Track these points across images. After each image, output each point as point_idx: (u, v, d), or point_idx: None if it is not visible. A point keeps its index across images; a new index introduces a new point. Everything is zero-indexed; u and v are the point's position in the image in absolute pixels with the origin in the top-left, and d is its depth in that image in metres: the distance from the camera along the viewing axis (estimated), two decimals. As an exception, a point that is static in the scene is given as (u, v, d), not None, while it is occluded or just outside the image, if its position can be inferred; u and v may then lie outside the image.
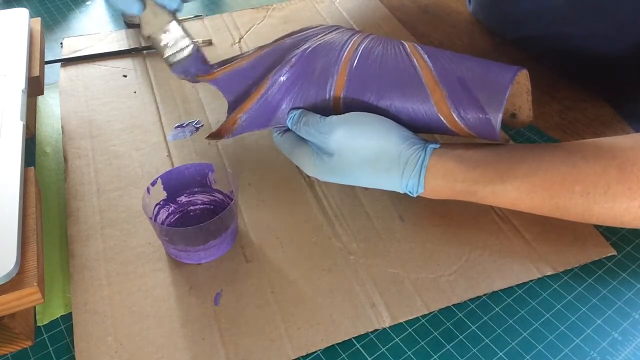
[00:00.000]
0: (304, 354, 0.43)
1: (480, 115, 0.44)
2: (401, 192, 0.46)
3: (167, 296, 0.47)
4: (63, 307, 0.47)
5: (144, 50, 0.76)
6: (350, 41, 0.50)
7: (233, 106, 0.53)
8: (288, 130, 0.51)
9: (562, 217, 0.44)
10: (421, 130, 0.48)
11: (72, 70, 0.72)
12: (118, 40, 0.78)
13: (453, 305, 0.46)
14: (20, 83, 0.55)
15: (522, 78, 0.46)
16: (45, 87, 0.63)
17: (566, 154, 0.43)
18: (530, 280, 0.47)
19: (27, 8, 0.67)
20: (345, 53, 0.49)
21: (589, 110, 0.64)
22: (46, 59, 0.69)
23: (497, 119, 0.44)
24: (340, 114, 0.47)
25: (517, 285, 0.47)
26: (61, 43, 0.78)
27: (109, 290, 0.47)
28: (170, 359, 0.42)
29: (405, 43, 0.50)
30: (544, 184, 0.42)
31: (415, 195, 0.46)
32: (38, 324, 0.45)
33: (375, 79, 0.48)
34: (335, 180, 0.48)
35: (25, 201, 0.45)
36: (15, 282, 0.39)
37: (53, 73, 0.72)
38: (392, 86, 0.47)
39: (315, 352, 0.43)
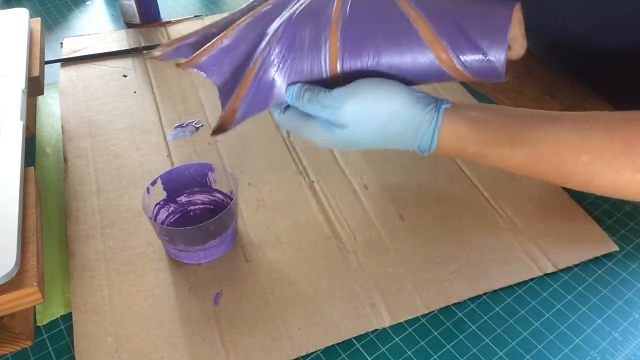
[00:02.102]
0: (304, 354, 0.43)
1: (483, 59, 0.44)
2: (411, 150, 0.46)
3: (167, 296, 0.47)
4: (63, 307, 0.47)
5: (144, 50, 0.76)
6: (334, 1, 0.48)
7: (225, 91, 0.50)
8: (289, 106, 0.49)
9: (564, 185, 0.45)
10: (425, 82, 0.47)
11: (72, 70, 0.72)
12: (118, 40, 0.78)
13: (453, 304, 0.46)
14: (20, 83, 0.55)
15: (516, 12, 0.45)
16: (45, 87, 0.63)
17: (576, 123, 0.44)
18: (531, 280, 0.47)
19: (27, 8, 0.67)
20: (333, 16, 0.47)
21: (589, 110, 0.64)
22: (46, 59, 0.69)
23: (501, 61, 0.43)
24: (340, 82, 0.46)
25: (517, 285, 0.47)
26: (61, 43, 0.78)
27: (109, 290, 0.47)
28: (170, 359, 0.42)
29: None
30: (552, 151, 0.43)
31: (426, 154, 0.46)
32: (38, 324, 0.45)
33: (370, 41, 0.46)
34: (349, 148, 0.48)
35: (25, 201, 0.45)
36: (15, 282, 0.39)
37: (53, 73, 0.72)
38: (389, 45, 0.46)
39: (315, 352, 0.43)
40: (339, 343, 0.43)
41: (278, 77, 0.48)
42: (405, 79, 0.46)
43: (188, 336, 0.44)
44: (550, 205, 0.53)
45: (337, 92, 0.46)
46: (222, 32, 0.50)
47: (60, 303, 0.47)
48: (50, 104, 0.69)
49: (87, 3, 0.90)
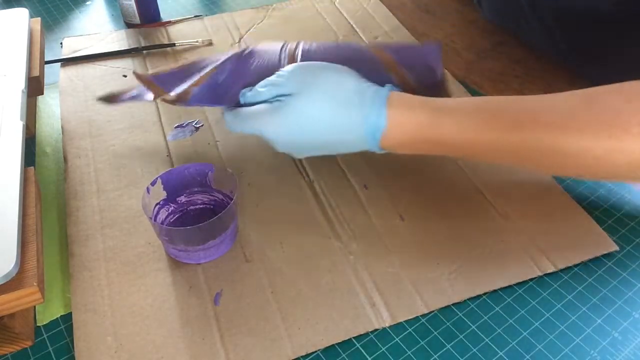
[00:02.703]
0: (304, 354, 0.43)
1: (428, 72, 0.50)
2: (364, 144, 0.45)
3: (167, 296, 0.47)
4: (63, 307, 0.47)
5: (144, 50, 0.76)
6: (286, 45, 0.53)
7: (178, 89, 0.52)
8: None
9: (531, 161, 0.42)
10: None
11: (72, 70, 0.73)
12: (118, 40, 0.78)
13: (453, 304, 0.46)
14: (20, 83, 0.55)
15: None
16: (45, 87, 0.63)
17: (529, 96, 0.43)
18: (531, 280, 0.47)
19: (27, 8, 0.67)
20: (287, 53, 0.52)
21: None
22: (46, 59, 0.69)
23: (441, 70, 0.51)
24: None
25: (517, 285, 0.47)
26: (61, 43, 0.78)
27: (109, 290, 0.47)
28: (170, 359, 0.42)
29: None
30: (506, 111, 0.42)
31: (379, 138, 0.44)
32: (38, 324, 0.45)
33: (326, 57, 0.50)
34: (298, 135, 0.45)
35: (25, 201, 0.45)
36: (15, 282, 0.39)
37: (53, 73, 0.72)
38: (344, 59, 0.49)
39: (315, 352, 0.43)
40: (339, 343, 0.43)
41: (233, 85, 0.50)
42: None
43: (188, 336, 0.44)
44: (551, 206, 0.53)
45: (286, 66, 0.47)
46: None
47: (60, 303, 0.47)
48: (50, 104, 0.69)
49: (87, 3, 0.90)
